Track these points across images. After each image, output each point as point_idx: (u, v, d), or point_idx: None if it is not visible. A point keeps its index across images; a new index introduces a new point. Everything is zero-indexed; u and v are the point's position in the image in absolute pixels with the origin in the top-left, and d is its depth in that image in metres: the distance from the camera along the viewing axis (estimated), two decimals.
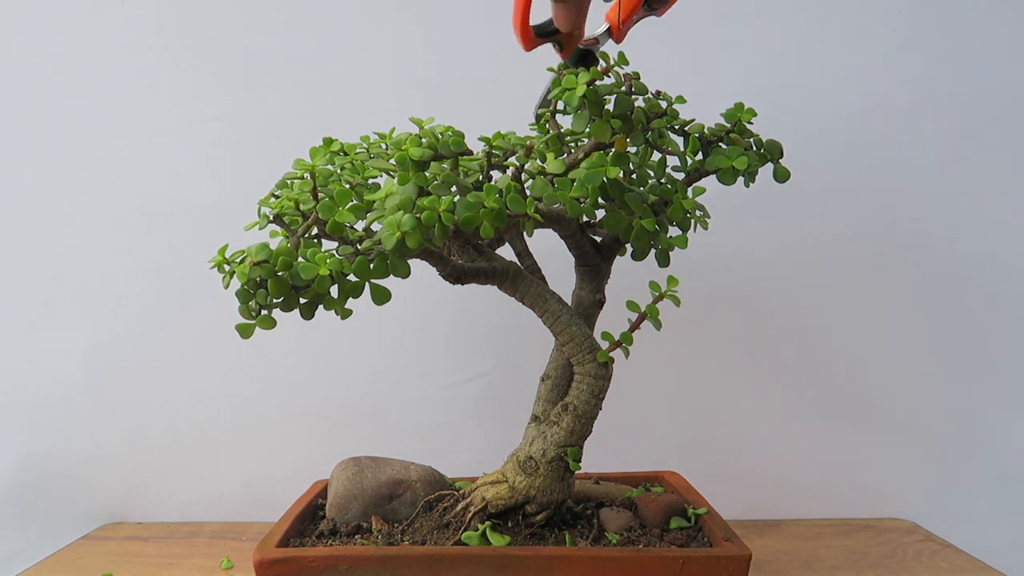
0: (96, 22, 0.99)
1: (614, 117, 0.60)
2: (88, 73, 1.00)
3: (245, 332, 0.58)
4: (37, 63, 1.00)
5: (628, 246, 0.71)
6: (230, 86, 1.00)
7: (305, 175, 0.62)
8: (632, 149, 0.65)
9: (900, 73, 1.00)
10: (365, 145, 0.70)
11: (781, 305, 1.03)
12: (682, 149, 0.67)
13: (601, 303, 0.75)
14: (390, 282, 0.59)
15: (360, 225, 0.62)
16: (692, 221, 0.69)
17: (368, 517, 0.73)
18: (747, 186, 0.66)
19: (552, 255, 0.78)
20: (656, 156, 0.70)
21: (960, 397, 1.03)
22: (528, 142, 0.65)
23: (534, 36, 0.65)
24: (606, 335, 0.70)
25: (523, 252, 0.77)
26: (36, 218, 1.02)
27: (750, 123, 0.66)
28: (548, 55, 0.68)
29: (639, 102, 0.63)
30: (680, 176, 0.69)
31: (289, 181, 0.65)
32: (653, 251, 0.66)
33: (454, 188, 0.59)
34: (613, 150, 0.63)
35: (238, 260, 0.58)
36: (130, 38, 0.99)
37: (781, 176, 0.67)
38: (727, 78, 0.98)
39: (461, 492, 0.73)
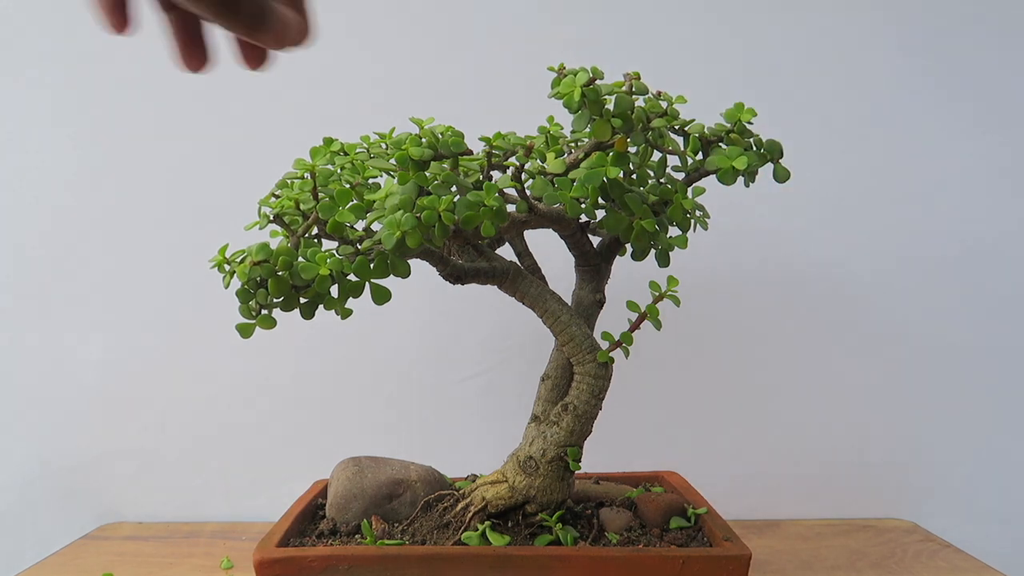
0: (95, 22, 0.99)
1: (614, 116, 0.60)
2: (92, 76, 1.00)
3: (245, 332, 0.58)
4: (42, 65, 1.00)
5: (628, 246, 0.71)
6: (231, 87, 1.00)
7: (305, 175, 0.62)
8: (632, 149, 0.65)
9: (901, 74, 1.00)
10: (365, 145, 0.70)
11: (781, 305, 1.03)
12: (682, 149, 0.67)
13: (601, 303, 0.75)
14: (390, 282, 0.59)
15: (360, 225, 0.62)
16: (692, 221, 0.69)
17: (368, 517, 0.73)
18: (747, 186, 0.66)
19: (552, 255, 0.78)
20: (656, 156, 0.70)
21: (960, 396, 1.03)
22: (528, 142, 0.65)
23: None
24: (606, 335, 0.70)
25: (523, 252, 0.77)
26: (44, 220, 1.02)
27: (750, 123, 0.66)
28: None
29: (639, 102, 0.63)
30: (680, 176, 0.69)
31: (289, 181, 0.65)
32: (653, 251, 0.66)
33: (454, 188, 0.59)
34: (613, 151, 0.62)
35: (238, 260, 0.58)
36: (133, 39, 0.99)
37: (781, 176, 0.67)
38: (727, 78, 0.98)
39: (461, 492, 0.73)
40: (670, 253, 0.66)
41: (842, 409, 1.04)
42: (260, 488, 1.04)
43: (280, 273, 0.56)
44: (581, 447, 0.70)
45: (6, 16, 0.99)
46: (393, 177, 0.60)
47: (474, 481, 0.77)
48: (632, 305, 0.71)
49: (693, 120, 0.67)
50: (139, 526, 1.03)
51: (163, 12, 0.43)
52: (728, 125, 0.66)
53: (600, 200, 0.63)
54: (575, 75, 0.59)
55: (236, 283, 0.57)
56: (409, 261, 0.59)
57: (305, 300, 0.58)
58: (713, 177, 0.66)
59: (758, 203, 0.95)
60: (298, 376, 1.04)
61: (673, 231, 0.68)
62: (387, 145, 0.70)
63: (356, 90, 1.00)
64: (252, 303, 0.57)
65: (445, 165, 0.60)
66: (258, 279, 0.56)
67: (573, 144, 0.71)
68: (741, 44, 1.00)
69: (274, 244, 0.58)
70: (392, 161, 0.61)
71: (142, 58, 0.99)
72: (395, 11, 1.00)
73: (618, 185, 0.62)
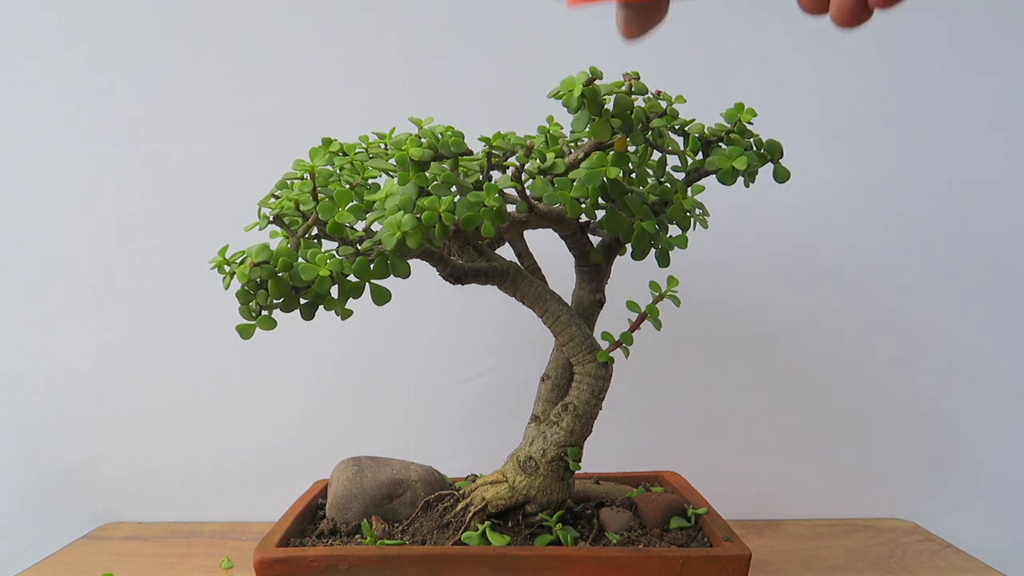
0: (96, 24, 0.99)
1: (613, 116, 0.60)
2: (90, 76, 1.00)
3: (245, 333, 0.58)
4: (40, 66, 1.00)
5: (628, 246, 0.71)
6: (231, 87, 1.00)
7: (305, 175, 0.62)
8: (631, 148, 0.65)
9: (898, 77, 1.00)
10: (365, 145, 0.70)
11: (781, 305, 1.03)
12: (682, 149, 0.67)
13: (601, 303, 0.75)
14: (390, 282, 0.59)
15: (360, 225, 0.62)
16: (692, 221, 0.69)
17: (368, 517, 0.73)
18: (747, 186, 0.66)
19: (552, 255, 0.78)
20: (656, 156, 0.70)
21: (959, 397, 1.03)
22: (528, 142, 0.65)
23: None
24: (606, 335, 0.70)
25: (523, 252, 0.77)
26: (42, 220, 1.02)
27: (750, 123, 0.66)
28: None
29: (639, 102, 0.63)
30: (680, 176, 0.69)
31: (289, 182, 0.65)
32: (653, 251, 0.66)
33: (454, 188, 0.59)
34: (613, 150, 0.62)
35: (238, 261, 0.58)
36: (131, 40, 0.99)
37: (781, 176, 0.67)
38: (727, 77, 0.98)
39: (461, 492, 0.73)
40: (670, 253, 0.66)
41: (842, 409, 1.04)
42: (260, 488, 1.04)
43: (280, 274, 0.56)
44: (581, 447, 0.70)
45: (6, 11, 0.99)
46: (393, 177, 0.60)
47: (474, 481, 0.77)
48: (632, 305, 0.71)
49: (693, 120, 0.67)
50: (139, 526, 1.03)
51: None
52: (728, 125, 0.66)
53: (600, 200, 0.63)
54: (574, 75, 0.59)
55: (236, 284, 0.57)
56: (409, 261, 0.59)
57: (305, 301, 0.58)
58: (713, 177, 0.66)
59: (759, 202, 0.95)
60: (298, 376, 1.04)
61: (673, 231, 0.68)
62: (387, 145, 0.70)
63: (356, 90, 1.00)
64: (252, 304, 0.57)
65: (445, 165, 0.60)
66: (258, 280, 0.56)
67: (573, 144, 0.71)
68: (742, 43, 1.00)
69: (274, 245, 0.58)
70: (392, 161, 0.61)
71: (142, 57, 1.00)
72: (395, 10, 0.99)
73: (618, 185, 0.62)
